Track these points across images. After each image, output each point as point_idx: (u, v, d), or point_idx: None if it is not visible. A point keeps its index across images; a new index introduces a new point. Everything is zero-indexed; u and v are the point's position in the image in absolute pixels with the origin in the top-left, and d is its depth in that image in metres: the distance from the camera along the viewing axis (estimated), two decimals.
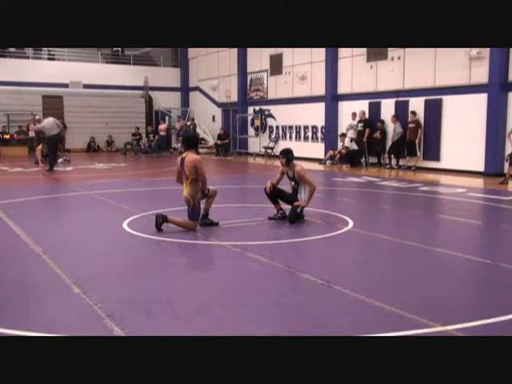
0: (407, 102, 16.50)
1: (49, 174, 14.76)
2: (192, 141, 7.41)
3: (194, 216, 7.07)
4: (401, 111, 16.56)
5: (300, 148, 18.49)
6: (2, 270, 5.37)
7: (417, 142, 15.91)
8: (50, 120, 15.54)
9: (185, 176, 7.08)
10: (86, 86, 25.12)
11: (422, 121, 16.09)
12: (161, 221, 6.90)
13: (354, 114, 17.79)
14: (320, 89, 19.52)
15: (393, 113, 16.79)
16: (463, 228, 7.76)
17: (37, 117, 16.27)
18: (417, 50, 15.65)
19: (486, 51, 14.14)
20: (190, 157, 7.07)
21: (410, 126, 15.99)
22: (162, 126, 25.22)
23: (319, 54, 19.27)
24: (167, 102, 27.32)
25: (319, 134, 20.09)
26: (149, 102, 26.73)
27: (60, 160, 17.44)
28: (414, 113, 15.95)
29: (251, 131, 23.76)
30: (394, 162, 16.84)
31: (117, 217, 8.05)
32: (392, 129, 16.65)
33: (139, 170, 17.48)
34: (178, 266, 5.68)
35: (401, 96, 16.83)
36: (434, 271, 5.43)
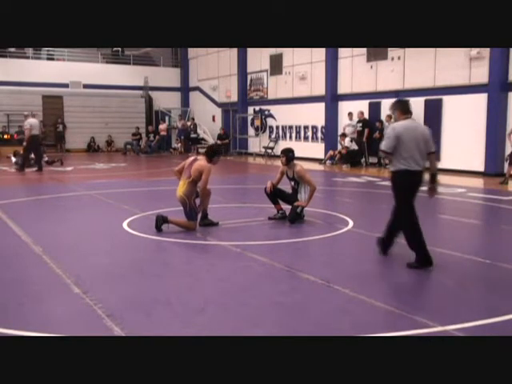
0: None
1: (20, 174, 14.77)
2: (212, 150, 7.38)
3: (192, 216, 7.07)
4: None
5: (300, 148, 18.42)
6: (2, 270, 5.37)
7: None
8: (36, 120, 15.92)
9: (187, 174, 7.08)
10: (86, 86, 25.10)
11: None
12: (161, 222, 6.90)
13: (350, 114, 17.82)
14: (320, 89, 19.51)
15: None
16: (463, 228, 7.76)
17: (25, 112, 16.35)
18: (417, 50, 15.64)
19: (486, 51, 14.14)
20: (202, 162, 7.12)
21: None
22: (163, 126, 25.21)
23: (319, 53, 19.26)
24: (167, 101, 27.31)
25: (319, 134, 20.08)
26: (149, 101, 26.71)
27: (14, 159, 17.05)
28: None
29: (251, 131, 23.75)
30: (387, 161, 16.90)
31: (117, 217, 8.05)
32: (387, 128, 16.68)
33: (139, 170, 17.47)
34: (178, 266, 5.68)
35: (401, 96, 16.78)
36: (434, 271, 5.43)
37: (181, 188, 7.11)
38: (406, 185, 5.44)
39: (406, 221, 5.49)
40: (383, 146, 5.49)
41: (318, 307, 4.31)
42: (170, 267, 5.61)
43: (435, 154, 5.76)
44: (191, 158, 7.30)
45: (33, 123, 15.38)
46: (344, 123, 18.40)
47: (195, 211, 7.11)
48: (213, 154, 7.32)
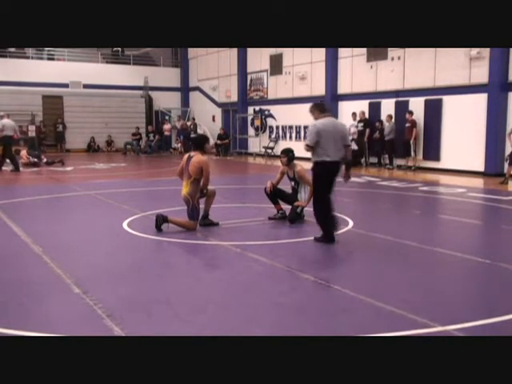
0: (407, 102, 16.49)
1: (17, 175, 14.74)
2: (200, 141, 7.45)
3: (193, 216, 7.08)
4: (401, 111, 16.55)
5: (300, 148, 18.46)
6: (2, 270, 5.37)
7: (411, 142, 15.85)
8: (10, 121, 15.94)
9: (187, 175, 7.09)
10: (86, 86, 25.11)
11: (421, 121, 16.07)
12: (161, 221, 6.90)
13: (354, 114, 17.78)
14: (320, 89, 19.51)
15: (393, 113, 16.80)
16: (463, 228, 7.76)
17: (1, 113, 16.29)
18: (417, 50, 15.64)
19: (486, 51, 14.14)
20: (198, 157, 7.10)
21: (406, 125, 15.95)
22: (167, 127, 25.17)
23: (319, 53, 19.27)
24: (167, 101, 27.32)
25: None
26: (149, 101, 26.72)
27: None
28: (410, 112, 15.91)
29: (251, 131, 23.76)
30: (387, 161, 16.97)
31: (117, 217, 8.05)
32: (387, 128, 16.68)
33: (139, 170, 17.47)
34: (177, 266, 5.68)
35: (401, 96, 16.82)
36: (434, 271, 5.43)
37: (185, 188, 7.13)
38: (324, 173, 6.36)
39: (317, 201, 6.45)
40: (307, 141, 6.37)
41: (318, 307, 4.31)
42: (170, 267, 5.61)
43: (350, 148, 6.78)
44: (186, 157, 7.28)
45: (6, 124, 15.46)
46: (345, 123, 18.34)
47: (197, 211, 7.11)
48: (202, 144, 7.34)
